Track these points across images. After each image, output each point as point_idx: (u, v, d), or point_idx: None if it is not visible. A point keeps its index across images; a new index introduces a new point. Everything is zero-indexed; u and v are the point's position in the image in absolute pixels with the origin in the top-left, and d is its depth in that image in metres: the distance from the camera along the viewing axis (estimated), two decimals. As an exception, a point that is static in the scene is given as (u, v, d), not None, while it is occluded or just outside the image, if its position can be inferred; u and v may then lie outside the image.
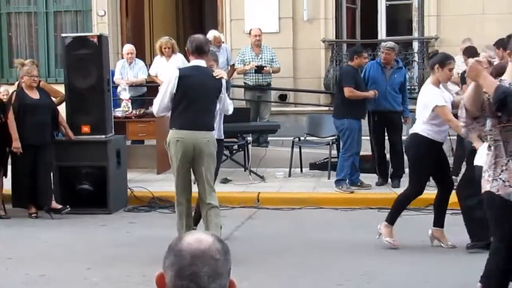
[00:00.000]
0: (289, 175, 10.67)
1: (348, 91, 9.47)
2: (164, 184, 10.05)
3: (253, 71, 11.77)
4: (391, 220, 7.08)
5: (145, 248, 7.23)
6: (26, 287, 6.03)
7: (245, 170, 10.80)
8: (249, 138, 11.05)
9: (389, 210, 7.20)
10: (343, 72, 9.89)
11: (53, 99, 9.29)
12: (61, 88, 9.48)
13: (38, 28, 13.74)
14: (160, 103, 6.63)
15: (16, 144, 8.61)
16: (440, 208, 7.11)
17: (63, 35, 9.57)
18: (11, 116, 8.66)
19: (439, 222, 7.10)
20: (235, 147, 10.96)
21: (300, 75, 12.89)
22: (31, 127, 8.66)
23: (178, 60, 11.94)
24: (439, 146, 6.98)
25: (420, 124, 6.88)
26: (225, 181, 10.25)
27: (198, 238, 1.92)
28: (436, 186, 7.30)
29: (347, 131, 9.50)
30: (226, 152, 10.85)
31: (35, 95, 8.86)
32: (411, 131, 7.17)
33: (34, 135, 8.65)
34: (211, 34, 11.76)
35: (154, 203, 9.38)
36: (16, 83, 9.31)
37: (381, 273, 6.32)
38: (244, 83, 12.01)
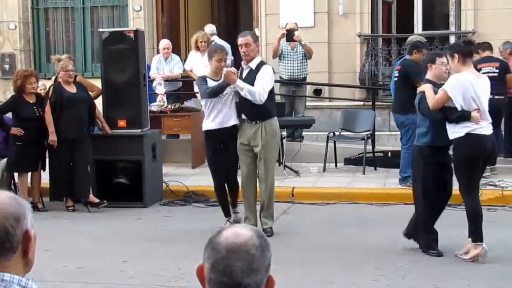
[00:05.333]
0: (324, 170, 10.64)
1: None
2: (199, 178, 10.10)
3: (286, 47, 11.67)
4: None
5: (181, 241, 7.29)
6: (64, 278, 6.12)
7: (279, 165, 10.78)
8: (284, 133, 11.04)
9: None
10: (410, 67, 9.32)
11: (90, 93, 9.39)
12: (97, 83, 9.57)
13: (75, 23, 13.88)
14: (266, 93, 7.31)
15: (52, 137, 8.73)
16: None
17: (100, 30, 9.66)
18: (47, 110, 8.78)
19: None
20: (270, 141, 10.94)
21: (335, 69, 12.84)
22: (68, 121, 8.76)
23: (213, 55, 11.98)
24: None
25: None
26: (260, 175, 10.25)
27: (236, 232, 1.91)
28: None
29: (413, 126, 9.26)
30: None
31: (72, 89, 8.96)
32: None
33: (71, 129, 8.75)
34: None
35: (189, 197, 9.42)
36: (53, 77, 9.43)
37: (415, 269, 6.29)
38: (280, 77, 12.00)
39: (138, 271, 6.29)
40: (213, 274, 1.87)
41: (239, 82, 7.21)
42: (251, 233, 1.91)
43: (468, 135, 6.41)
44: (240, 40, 7.37)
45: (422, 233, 6.74)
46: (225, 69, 7.32)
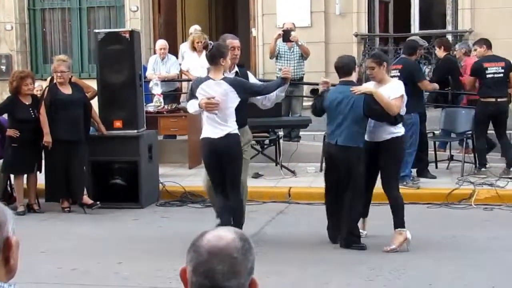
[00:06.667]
0: (321, 169, 10.58)
1: (427, 85, 9.66)
2: (195, 179, 10.06)
3: (283, 47, 11.64)
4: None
5: (177, 242, 7.23)
6: (58, 280, 6.09)
7: (276, 165, 10.79)
8: (281, 133, 11.03)
9: None
10: (414, 66, 9.66)
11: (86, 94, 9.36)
12: (94, 84, 9.55)
13: (72, 24, 13.87)
14: None
15: (47, 139, 8.71)
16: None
17: (96, 30, 9.65)
18: (42, 111, 8.76)
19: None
20: (267, 141, 10.95)
21: (332, 69, 12.54)
22: (63, 122, 8.73)
23: (210, 55, 12.00)
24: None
25: None
26: (257, 175, 10.25)
27: (219, 235, 1.90)
28: None
29: (414, 126, 9.27)
30: (257, 146, 10.87)
31: (67, 90, 8.93)
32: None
33: (66, 130, 8.71)
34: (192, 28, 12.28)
35: (186, 198, 9.40)
36: (48, 78, 9.42)
37: (411, 269, 6.27)
38: (277, 77, 11.96)
39: (132, 272, 6.27)
40: (195, 277, 1.86)
41: None
42: (234, 236, 1.90)
43: (403, 136, 7.04)
44: (234, 43, 7.17)
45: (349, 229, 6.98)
46: (285, 68, 7.25)
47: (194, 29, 12.42)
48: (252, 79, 7.34)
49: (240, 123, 6.87)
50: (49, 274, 6.18)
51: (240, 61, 7.39)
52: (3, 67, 13.70)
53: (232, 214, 6.86)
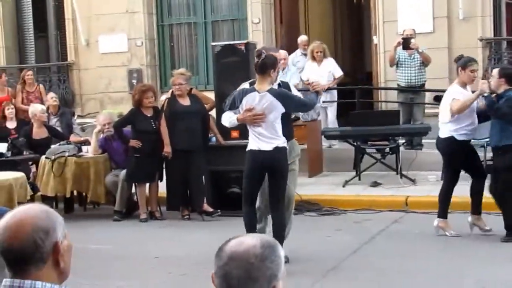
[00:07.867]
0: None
1: None
2: (314, 188, 10.13)
3: (403, 54, 11.47)
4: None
5: (286, 250, 7.31)
6: (164, 285, 6.32)
7: (396, 174, 10.63)
8: (401, 141, 10.87)
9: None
10: None
11: (205, 105, 9.66)
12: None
13: (198, 38, 14.29)
14: None
15: (167, 149, 9.07)
16: (476, 197, 7.72)
17: (213, 44, 9.97)
18: (163, 122, 9.14)
19: (477, 209, 7.75)
20: (387, 150, 10.82)
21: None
22: (181, 133, 9.07)
23: (330, 65, 12.04)
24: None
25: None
26: (375, 184, 10.17)
27: (241, 241, 1.97)
28: (471, 177, 7.96)
29: None
30: (377, 155, 10.76)
31: (186, 102, 9.26)
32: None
33: (184, 141, 9.04)
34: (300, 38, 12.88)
35: (302, 206, 9.43)
36: (170, 91, 9.79)
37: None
38: (398, 85, 11.83)
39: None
40: (216, 280, 1.94)
41: None
42: (255, 242, 1.95)
43: None
44: (280, 54, 7.06)
45: None
46: (313, 82, 7.10)
47: (301, 40, 12.64)
48: (294, 91, 7.03)
49: (286, 136, 6.62)
50: (158, 279, 6.43)
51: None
52: (134, 81, 14.29)
53: (273, 228, 6.66)
